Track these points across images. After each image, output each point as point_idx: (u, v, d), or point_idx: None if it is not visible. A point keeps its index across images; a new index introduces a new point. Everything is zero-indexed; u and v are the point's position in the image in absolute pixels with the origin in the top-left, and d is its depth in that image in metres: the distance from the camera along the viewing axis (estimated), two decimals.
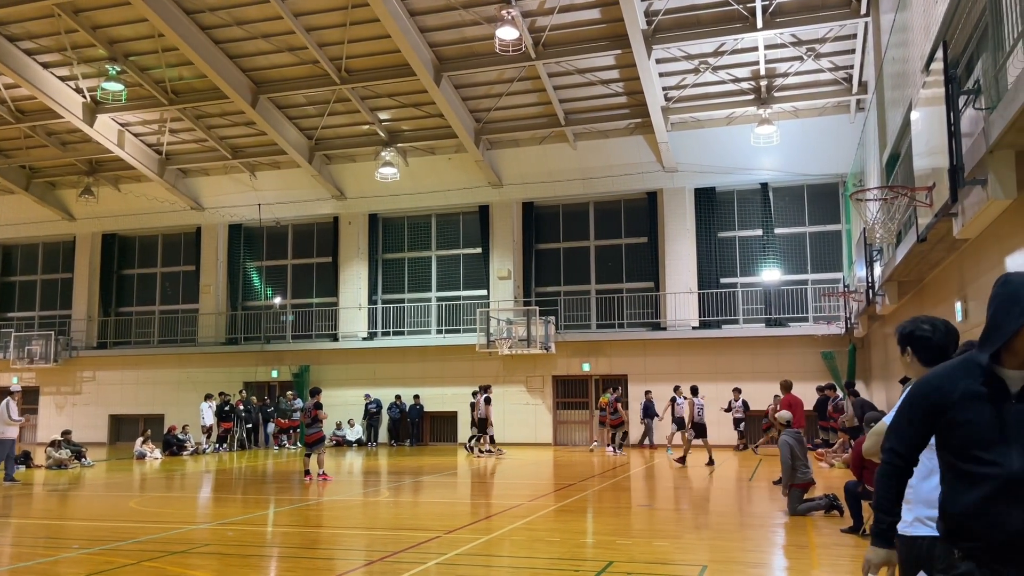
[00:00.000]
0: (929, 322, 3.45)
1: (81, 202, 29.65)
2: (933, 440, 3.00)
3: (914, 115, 9.60)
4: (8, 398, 16.18)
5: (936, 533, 2.98)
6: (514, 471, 17.71)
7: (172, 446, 23.24)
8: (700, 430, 18.65)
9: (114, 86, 23.46)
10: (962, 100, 7.16)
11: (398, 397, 26.03)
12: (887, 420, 3.22)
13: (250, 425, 25.58)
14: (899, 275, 12.87)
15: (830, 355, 22.77)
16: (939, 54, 7.39)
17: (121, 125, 26.76)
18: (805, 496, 10.85)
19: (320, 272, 29.38)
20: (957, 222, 7.88)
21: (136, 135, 27.45)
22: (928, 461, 3.11)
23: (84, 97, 25.23)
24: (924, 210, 8.89)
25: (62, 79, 24.67)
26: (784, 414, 12.00)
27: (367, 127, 26.07)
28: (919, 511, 3.13)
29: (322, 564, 7.89)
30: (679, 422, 19.83)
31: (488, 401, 21.78)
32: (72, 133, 27.35)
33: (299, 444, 23.39)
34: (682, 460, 18.02)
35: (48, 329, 30.64)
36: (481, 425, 21.81)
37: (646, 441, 23.22)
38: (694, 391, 19.16)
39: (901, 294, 13.99)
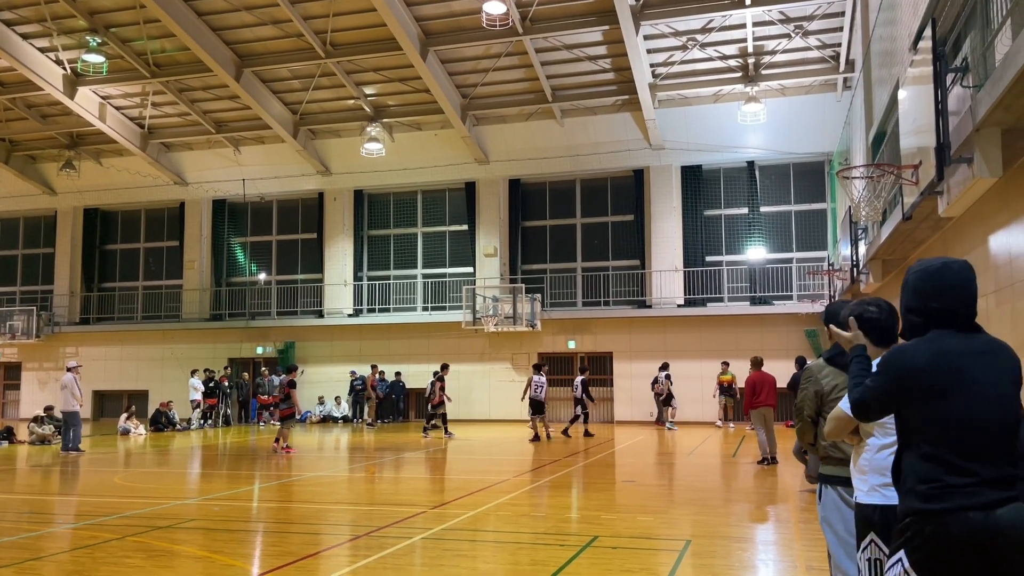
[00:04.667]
0: (875, 303, 3.58)
1: (62, 176, 29.29)
2: (891, 418, 3.02)
3: (901, 93, 9.60)
4: (73, 374, 17.01)
5: (888, 502, 3.12)
6: (500, 447, 17.77)
7: (160, 421, 23.16)
8: (537, 407, 18.94)
9: (95, 58, 23.10)
10: (949, 78, 7.16)
11: (382, 373, 25.94)
12: (842, 405, 3.20)
13: (233, 401, 25.56)
14: (883, 253, 12.94)
15: (813, 333, 22.94)
16: (927, 32, 7.38)
17: (102, 98, 26.38)
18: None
19: (305, 248, 29.22)
20: (942, 200, 7.90)
21: (118, 108, 27.08)
22: (883, 437, 3.28)
23: (64, 69, 24.83)
24: (909, 188, 8.92)
25: (42, 51, 24.24)
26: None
27: (352, 102, 25.83)
28: (874, 480, 3.26)
29: (308, 539, 7.91)
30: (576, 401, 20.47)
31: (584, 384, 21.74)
32: (52, 106, 26.95)
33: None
34: (536, 438, 18.64)
35: (30, 304, 30.37)
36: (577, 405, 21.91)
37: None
38: (536, 369, 19.44)
39: (885, 272, 14.08)
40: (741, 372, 22.56)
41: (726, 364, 22.79)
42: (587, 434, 19.86)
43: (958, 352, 2.78)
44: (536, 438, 18.61)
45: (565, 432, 20.00)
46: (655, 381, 22.76)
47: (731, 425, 22.62)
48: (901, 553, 2.71)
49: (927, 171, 7.76)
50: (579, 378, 20.46)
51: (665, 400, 22.50)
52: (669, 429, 21.76)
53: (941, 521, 2.64)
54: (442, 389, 19.97)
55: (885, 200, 9.46)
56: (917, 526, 2.68)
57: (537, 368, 19.60)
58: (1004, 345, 2.87)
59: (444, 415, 19.96)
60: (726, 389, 22.71)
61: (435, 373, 20.66)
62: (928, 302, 2.87)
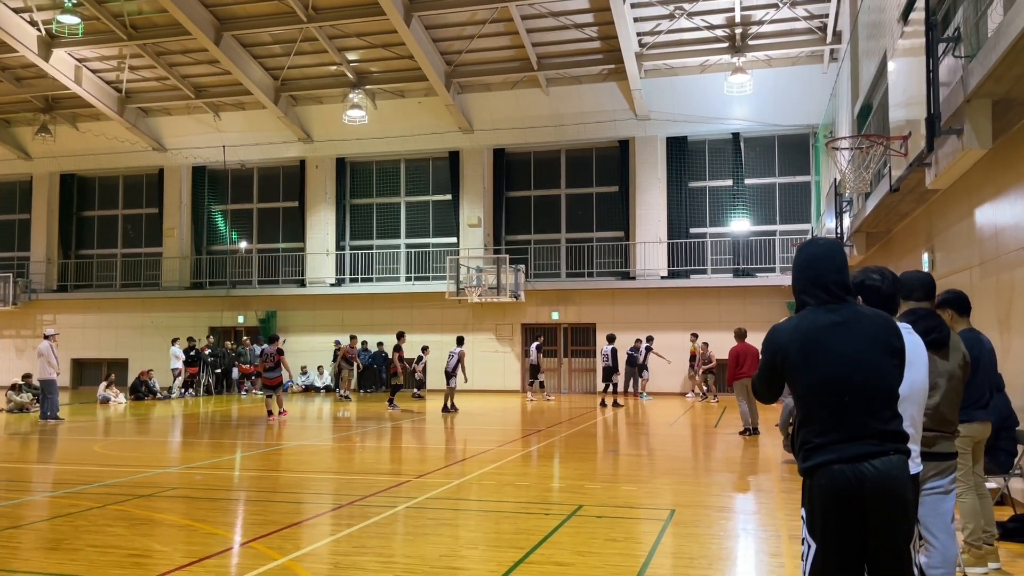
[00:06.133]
0: (879, 272, 3.68)
1: (38, 140, 28.73)
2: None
3: (891, 65, 9.55)
4: (49, 342, 16.76)
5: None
6: (483, 417, 17.81)
7: (140, 390, 22.98)
8: (447, 377, 18.98)
9: (70, 19, 22.53)
10: (941, 48, 7.10)
11: (364, 343, 25.82)
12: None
13: (219, 370, 25.42)
14: (868, 226, 12.97)
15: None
16: (919, 2, 7.31)
17: (78, 61, 25.81)
18: None
19: (286, 216, 28.92)
20: (930, 172, 7.89)
21: (94, 71, 26.52)
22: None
23: (39, 30, 24.24)
24: (897, 161, 8.90)
25: (15, 11, 23.61)
26: None
27: (335, 68, 25.44)
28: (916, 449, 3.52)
29: (291, 508, 7.87)
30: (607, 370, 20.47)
31: (539, 349, 22.17)
32: (27, 68, 26.33)
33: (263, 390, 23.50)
34: (450, 408, 18.58)
35: (6, 271, 29.91)
36: (533, 371, 22.31)
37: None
38: (459, 341, 19.41)
39: (869, 245, 14.13)
40: (714, 343, 22.68)
41: (695, 335, 22.93)
42: (602, 404, 19.95)
43: (818, 325, 3.01)
44: (445, 408, 18.51)
45: (615, 404, 19.99)
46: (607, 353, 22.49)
47: (691, 395, 22.77)
48: (802, 511, 3.02)
49: (916, 143, 7.73)
50: (609, 347, 20.38)
51: (639, 370, 22.45)
52: (644, 400, 21.88)
53: (814, 476, 2.93)
54: (400, 360, 19.60)
55: (873, 171, 9.44)
56: (803, 484, 3.00)
57: (460, 341, 19.50)
58: (873, 315, 3.09)
59: (397, 386, 19.83)
60: (693, 359, 23.02)
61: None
62: (800, 274, 3.14)
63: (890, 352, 3.00)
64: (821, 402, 2.95)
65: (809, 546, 2.95)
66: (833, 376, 2.93)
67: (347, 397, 22.64)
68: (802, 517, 3.02)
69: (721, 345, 22.85)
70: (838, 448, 2.89)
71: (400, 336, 19.80)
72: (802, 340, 3.00)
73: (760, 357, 3.20)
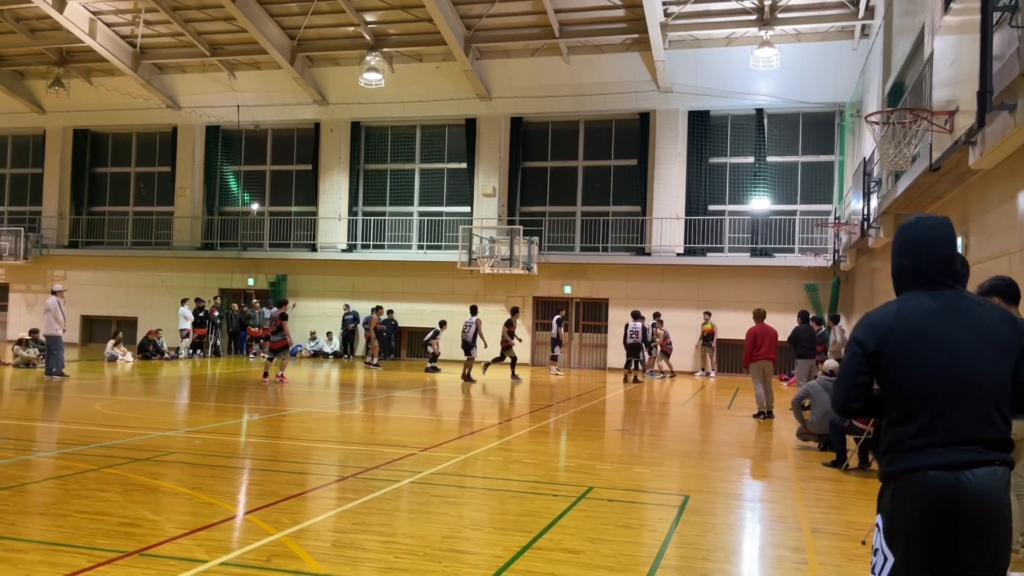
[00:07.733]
0: (1002, 280, 3.30)
1: (51, 94, 28.40)
2: None
3: (937, 42, 9.05)
4: (57, 298, 16.66)
5: None
6: (492, 391, 17.56)
7: (147, 349, 22.85)
8: (466, 347, 19.20)
9: None
10: (996, 18, 6.63)
11: (390, 311, 25.52)
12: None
13: (229, 331, 25.28)
14: (897, 208, 12.50)
15: (813, 287, 22.61)
16: None
17: (93, 13, 25.38)
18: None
19: (300, 179, 28.57)
20: (974, 151, 7.45)
21: (109, 25, 26.09)
22: None
23: None
24: (938, 139, 8.45)
25: None
26: None
27: (352, 29, 24.92)
28: None
29: (292, 478, 7.62)
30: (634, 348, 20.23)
31: (560, 323, 22.30)
32: (41, 20, 25.94)
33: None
34: (469, 377, 18.83)
35: (17, 225, 29.78)
36: (553, 345, 22.32)
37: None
38: (473, 311, 19.44)
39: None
40: (729, 323, 22.41)
41: (708, 314, 22.88)
42: (636, 381, 19.99)
43: (921, 311, 2.70)
44: (467, 378, 18.63)
45: (635, 380, 20.06)
46: (636, 330, 22.02)
47: (711, 375, 22.68)
48: (878, 518, 2.70)
49: (961, 119, 7.29)
50: (637, 323, 19.95)
51: (648, 348, 22.02)
52: (652, 377, 21.70)
53: (901, 481, 2.61)
54: (510, 334, 19.56)
55: (914, 147, 9.00)
56: (884, 490, 2.67)
57: (473, 310, 19.51)
58: (985, 304, 2.73)
59: (498, 358, 19.84)
60: (707, 339, 22.89)
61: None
62: (900, 259, 2.83)
63: (1005, 345, 2.65)
64: (919, 399, 2.62)
65: (886, 558, 2.62)
66: (936, 370, 2.62)
67: (376, 366, 22.30)
68: (877, 525, 2.69)
69: (736, 326, 22.59)
70: (936, 452, 2.57)
71: (515, 312, 19.96)
72: (903, 328, 2.69)
73: (848, 352, 2.81)
